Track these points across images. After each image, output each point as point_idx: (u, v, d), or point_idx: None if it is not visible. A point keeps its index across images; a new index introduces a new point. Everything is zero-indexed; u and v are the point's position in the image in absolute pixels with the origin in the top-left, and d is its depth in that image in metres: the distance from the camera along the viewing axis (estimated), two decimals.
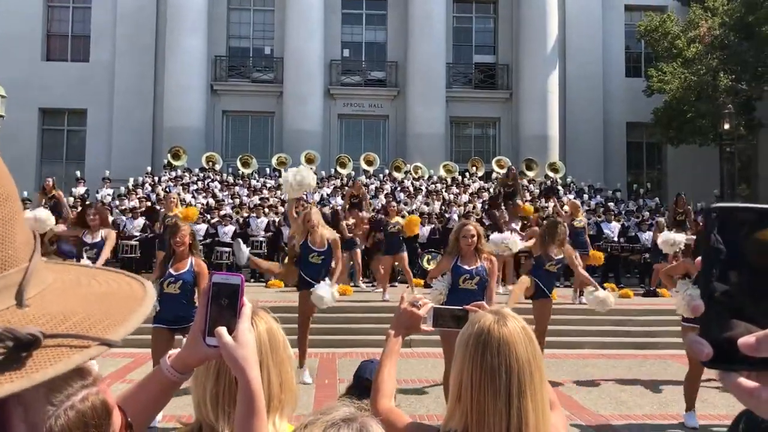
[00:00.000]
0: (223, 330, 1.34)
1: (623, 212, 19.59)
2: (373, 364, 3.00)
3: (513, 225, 14.95)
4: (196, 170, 22.42)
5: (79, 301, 0.82)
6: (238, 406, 1.39)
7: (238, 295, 1.37)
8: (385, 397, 2.03)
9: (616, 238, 17.07)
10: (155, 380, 1.49)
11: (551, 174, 23.78)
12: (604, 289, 14.13)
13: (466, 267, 6.78)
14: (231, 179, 21.73)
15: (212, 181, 21.27)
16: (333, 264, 8.38)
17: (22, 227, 0.78)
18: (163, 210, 14.87)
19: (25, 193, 19.73)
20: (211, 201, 18.63)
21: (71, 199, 18.34)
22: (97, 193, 20.13)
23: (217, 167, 22.96)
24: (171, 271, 6.65)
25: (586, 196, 21.50)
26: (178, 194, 17.22)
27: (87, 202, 15.36)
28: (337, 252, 8.34)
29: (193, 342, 1.40)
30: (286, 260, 15.76)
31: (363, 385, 2.90)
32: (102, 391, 1.25)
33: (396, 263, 13.31)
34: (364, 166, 23.67)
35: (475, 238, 6.77)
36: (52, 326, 0.74)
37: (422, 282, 13.50)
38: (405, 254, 13.14)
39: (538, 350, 1.79)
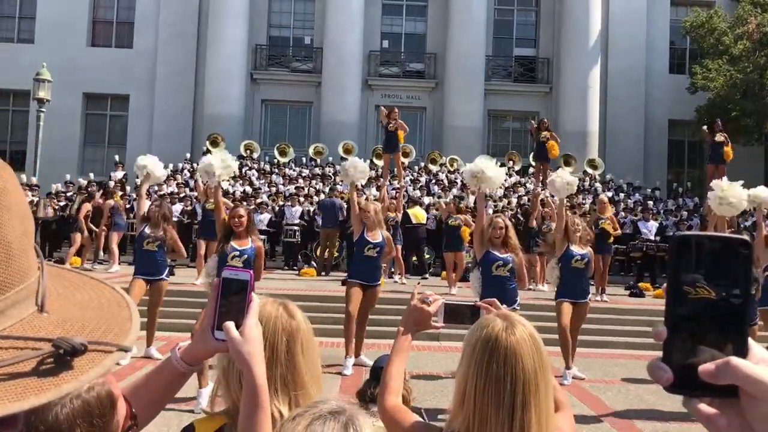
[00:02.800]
0: (230, 325, 1.37)
1: (661, 211, 19.26)
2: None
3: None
4: (234, 158, 22.59)
5: (81, 309, 0.89)
6: (243, 400, 1.43)
7: (246, 291, 1.40)
8: (392, 394, 2.05)
9: (652, 237, 16.79)
10: (165, 371, 1.52)
11: (590, 171, 23.46)
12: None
13: (498, 254, 7.11)
14: (267, 168, 21.91)
15: (249, 169, 21.47)
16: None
17: (33, 240, 0.85)
18: (198, 197, 15.06)
19: (68, 176, 20.20)
20: (248, 189, 18.83)
21: (111, 183, 18.68)
22: (136, 177, 20.43)
23: (255, 155, 23.17)
24: (234, 245, 7.14)
25: (623, 195, 21.18)
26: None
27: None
28: (390, 245, 8.79)
29: (201, 335, 1.44)
30: (319, 251, 16.00)
31: (380, 376, 2.94)
32: (108, 382, 1.29)
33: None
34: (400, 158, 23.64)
35: (503, 230, 7.12)
36: (75, 332, 0.81)
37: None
38: (463, 252, 13.55)
39: (545, 360, 1.77)
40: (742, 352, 0.69)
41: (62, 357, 0.77)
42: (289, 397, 1.73)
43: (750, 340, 0.71)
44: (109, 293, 0.95)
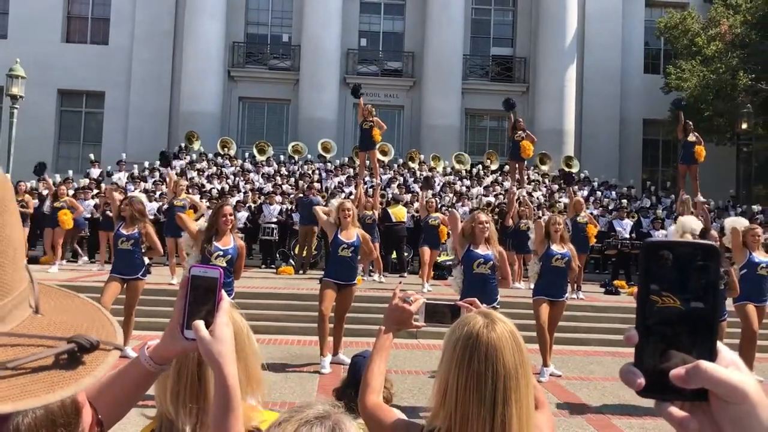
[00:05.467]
0: (200, 324, 1.32)
1: (635, 209, 19.45)
2: (365, 359, 3.04)
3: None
4: (210, 155, 22.50)
5: (65, 312, 0.91)
6: (215, 401, 1.38)
7: (216, 289, 1.35)
8: (374, 392, 2.06)
9: (627, 235, 16.96)
10: (133, 370, 1.47)
11: (566, 169, 23.65)
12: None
13: (480, 252, 7.12)
14: (246, 165, 21.80)
15: (224, 167, 21.35)
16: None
17: (24, 247, 0.88)
18: (168, 195, 14.95)
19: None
20: (225, 186, 18.73)
21: (86, 180, 18.44)
22: (110, 175, 20.23)
23: (231, 152, 23.04)
24: (218, 245, 7.13)
25: (599, 193, 21.37)
26: (191, 179, 17.32)
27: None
28: (368, 245, 8.56)
29: (170, 334, 1.38)
30: (297, 249, 15.98)
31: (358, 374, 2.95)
32: None
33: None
34: (378, 155, 23.61)
35: (487, 225, 7.15)
36: (71, 333, 0.84)
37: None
38: (438, 250, 13.69)
39: (526, 356, 1.78)
40: (712, 355, 0.71)
41: (75, 354, 0.81)
42: (196, 408, 1.69)
43: (720, 344, 0.72)
44: (76, 299, 0.96)
